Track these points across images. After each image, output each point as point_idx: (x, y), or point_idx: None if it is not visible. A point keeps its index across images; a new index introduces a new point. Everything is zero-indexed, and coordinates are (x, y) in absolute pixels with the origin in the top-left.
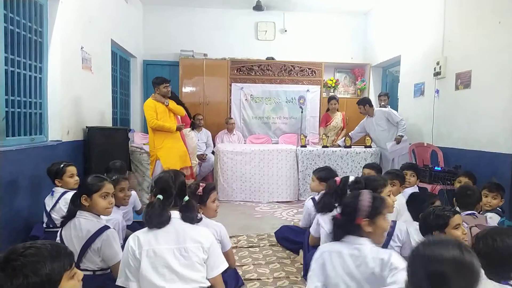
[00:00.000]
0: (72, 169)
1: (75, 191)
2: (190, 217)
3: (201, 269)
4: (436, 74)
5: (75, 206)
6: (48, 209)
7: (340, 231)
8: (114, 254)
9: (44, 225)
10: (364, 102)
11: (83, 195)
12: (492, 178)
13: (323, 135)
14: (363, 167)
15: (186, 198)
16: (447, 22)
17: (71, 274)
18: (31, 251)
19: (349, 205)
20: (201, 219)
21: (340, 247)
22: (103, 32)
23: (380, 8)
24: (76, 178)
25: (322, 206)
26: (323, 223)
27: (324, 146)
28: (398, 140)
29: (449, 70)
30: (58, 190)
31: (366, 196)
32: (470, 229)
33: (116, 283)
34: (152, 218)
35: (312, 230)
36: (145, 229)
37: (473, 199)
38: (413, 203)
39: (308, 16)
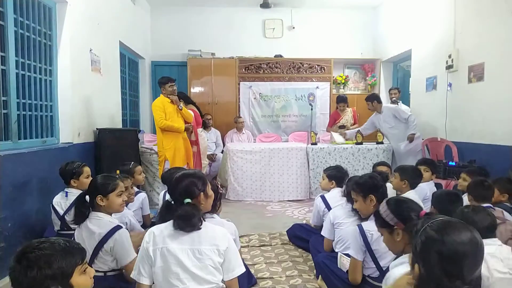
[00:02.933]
0: (88, 170)
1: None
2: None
3: (214, 272)
4: (448, 67)
5: (84, 208)
6: (61, 211)
7: None
8: (126, 253)
9: (57, 228)
10: (372, 99)
11: (99, 196)
12: (509, 172)
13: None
14: (375, 165)
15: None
16: (458, 14)
17: (82, 269)
18: (45, 245)
19: None
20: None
21: None
22: (111, 34)
23: (390, 2)
24: (91, 178)
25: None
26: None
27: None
28: (410, 139)
29: (462, 62)
30: (73, 192)
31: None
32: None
33: (131, 275)
34: (188, 223)
35: (325, 233)
36: (163, 225)
37: (490, 191)
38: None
39: (316, 12)
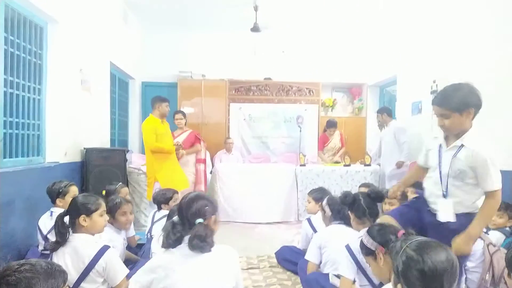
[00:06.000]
0: (75, 189)
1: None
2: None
3: None
4: (433, 92)
5: (64, 229)
6: (44, 231)
7: None
8: (118, 273)
9: (41, 248)
10: (383, 111)
11: (82, 216)
12: None
13: (345, 157)
14: (360, 186)
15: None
16: (442, 39)
17: None
18: (26, 267)
19: None
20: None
21: None
22: (102, 54)
23: (376, 27)
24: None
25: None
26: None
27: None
28: (399, 165)
29: None
30: (58, 212)
31: None
32: (487, 246)
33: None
34: (204, 242)
35: (310, 256)
36: (178, 248)
37: None
38: None
39: (305, 36)
